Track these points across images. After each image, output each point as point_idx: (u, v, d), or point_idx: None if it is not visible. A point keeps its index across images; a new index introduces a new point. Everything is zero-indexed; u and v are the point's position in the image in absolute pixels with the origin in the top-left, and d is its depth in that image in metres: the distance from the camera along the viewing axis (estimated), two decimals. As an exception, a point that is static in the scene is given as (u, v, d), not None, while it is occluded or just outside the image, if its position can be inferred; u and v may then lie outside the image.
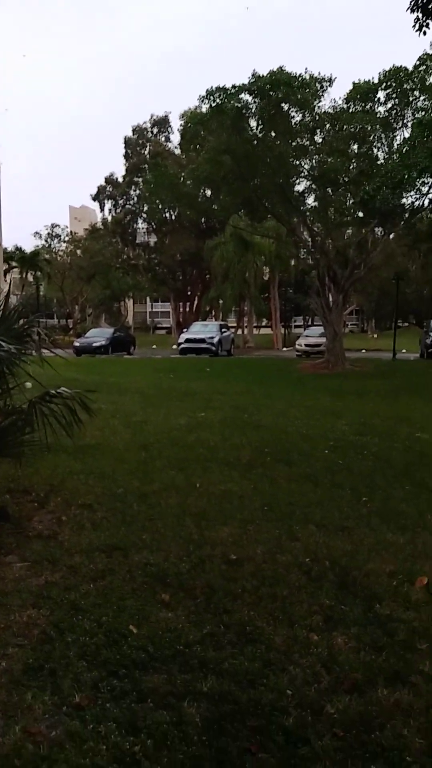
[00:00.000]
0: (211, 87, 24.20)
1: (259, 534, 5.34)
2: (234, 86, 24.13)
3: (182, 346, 35.08)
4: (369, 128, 25.19)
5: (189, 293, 59.46)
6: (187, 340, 35.17)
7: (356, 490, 6.84)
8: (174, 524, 5.54)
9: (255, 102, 24.53)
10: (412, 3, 7.22)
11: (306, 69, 27.64)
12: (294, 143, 26.19)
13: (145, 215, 55.56)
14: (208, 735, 2.69)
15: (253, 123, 25.60)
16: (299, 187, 28.45)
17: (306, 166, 27.25)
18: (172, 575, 4.41)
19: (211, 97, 24.37)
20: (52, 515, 5.85)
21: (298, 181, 28.21)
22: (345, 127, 25.11)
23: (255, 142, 25.66)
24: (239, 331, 54.42)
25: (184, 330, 40.53)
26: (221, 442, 9.34)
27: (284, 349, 48.10)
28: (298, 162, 27.02)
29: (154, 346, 47.20)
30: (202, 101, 24.74)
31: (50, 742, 2.66)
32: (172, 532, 5.32)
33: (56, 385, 6.37)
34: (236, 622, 3.71)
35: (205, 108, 25.77)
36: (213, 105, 24.42)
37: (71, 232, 60.59)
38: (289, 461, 8.17)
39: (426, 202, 25.90)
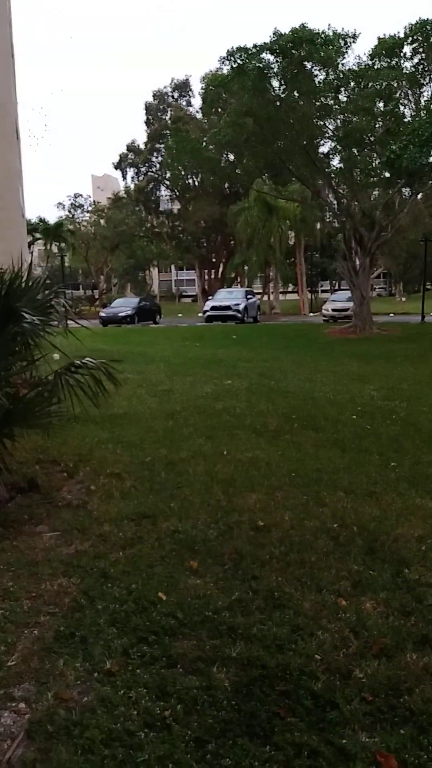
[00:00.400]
0: (232, 47, 23.74)
1: (286, 500, 5.34)
2: (255, 46, 23.62)
3: (208, 313, 34.99)
4: (395, 85, 24.56)
5: (214, 260, 59.13)
6: (213, 308, 35.05)
7: (384, 455, 6.79)
8: (202, 491, 5.57)
9: (277, 61, 23.99)
10: None
11: (329, 25, 26.92)
12: (318, 103, 25.60)
13: (167, 182, 55.07)
14: (237, 699, 2.72)
15: (275, 83, 25.07)
16: (323, 149, 27.92)
17: (330, 127, 26.68)
18: (200, 542, 4.44)
19: (232, 58, 23.92)
20: (81, 485, 5.91)
21: (322, 142, 27.67)
22: (370, 84, 24.48)
23: (278, 103, 25.16)
24: (265, 297, 54.09)
25: (210, 297, 40.40)
26: (248, 409, 9.32)
27: (311, 314, 47.70)
28: (322, 122, 26.45)
29: (180, 315, 47.16)
30: (223, 62, 24.30)
31: (82, 708, 2.71)
32: (200, 500, 5.35)
33: (81, 356, 6.40)
34: (264, 588, 3.73)
35: (226, 69, 25.31)
36: (234, 66, 23.95)
37: (94, 201, 60.37)
38: (316, 427, 8.13)
39: (454, 159, 25.27)
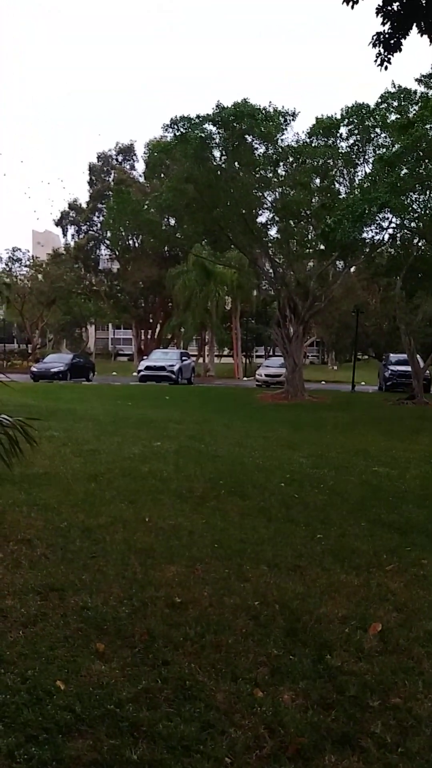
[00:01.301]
0: (175, 116, 24.37)
1: (207, 574, 5.05)
2: (198, 116, 24.30)
3: (142, 373, 34.79)
4: (331, 163, 25.60)
5: (151, 320, 59.31)
6: (147, 368, 34.90)
7: (310, 525, 6.61)
8: (118, 562, 5.22)
9: (219, 132, 24.72)
10: (374, 38, 7.18)
11: (270, 102, 28.10)
12: (257, 175, 26.42)
13: (108, 242, 55.43)
14: None
15: (216, 153, 25.78)
16: (262, 219, 28.72)
17: (269, 198, 27.51)
18: (110, 620, 4.08)
19: (175, 126, 24.51)
20: (-12, 551, 5.47)
21: (260, 212, 28.46)
22: (308, 160, 25.45)
23: (218, 172, 25.81)
24: (200, 360, 54.35)
25: (144, 357, 40.28)
26: (175, 473, 9.05)
27: (245, 378, 48.13)
28: (260, 193, 27.26)
29: (115, 373, 46.80)
30: (166, 130, 24.88)
31: None
32: (115, 572, 5.00)
33: (5, 411, 6.05)
34: (175, 675, 3.40)
35: (169, 137, 25.90)
36: (177, 134, 24.52)
37: (33, 256, 60.07)
38: (244, 494, 7.92)
39: (386, 236, 26.29)
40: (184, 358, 37.73)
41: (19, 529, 6.08)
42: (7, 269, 56.79)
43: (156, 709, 3.08)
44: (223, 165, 26.09)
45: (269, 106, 24.68)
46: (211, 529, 6.34)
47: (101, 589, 4.63)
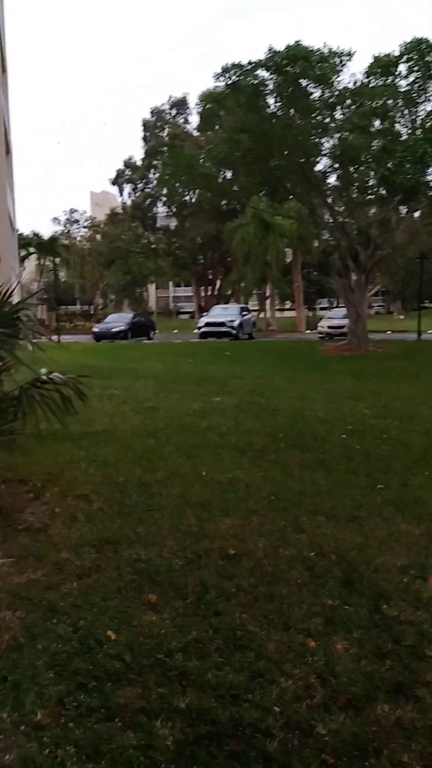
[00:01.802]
0: (227, 64, 23.64)
1: (262, 526, 5.00)
2: (250, 62, 23.51)
3: (202, 329, 34.68)
4: (390, 103, 24.43)
5: (210, 277, 58.98)
6: (207, 324, 34.76)
7: (371, 476, 6.46)
8: (173, 516, 5.22)
9: (272, 78, 23.90)
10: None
11: (324, 43, 26.97)
12: (313, 120, 25.49)
13: (164, 198, 55.03)
14: (178, 762, 2.37)
15: (270, 100, 24.97)
16: (320, 166, 27.78)
17: (327, 144, 26.56)
18: (163, 572, 4.09)
19: (227, 75, 23.80)
20: (46, 506, 5.56)
21: (318, 159, 27.55)
22: (366, 102, 24.35)
23: (273, 120, 25.04)
24: (262, 314, 53.86)
25: (204, 314, 40.15)
26: (234, 427, 9.00)
27: (308, 331, 47.44)
28: (318, 140, 26.34)
29: (175, 331, 46.90)
30: (218, 79, 24.19)
31: (0, 770, 2.36)
32: (170, 525, 5.00)
33: (50, 371, 6.09)
34: (226, 626, 3.37)
35: (221, 86, 25.23)
36: (229, 83, 23.86)
37: (90, 217, 60.30)
38: (304, 446, 7.81)
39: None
40: (244, 312, 37.38)
41: (77, 484, 6.16)
42: (66, 231, 57.26)
43: (205, 659, 3.06)
44: (278, 112, 25.29)
45: (324, 47, 23.65)
46: (269, 481, 6.27)
47: (155, 541, 4.64)
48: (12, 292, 6.05)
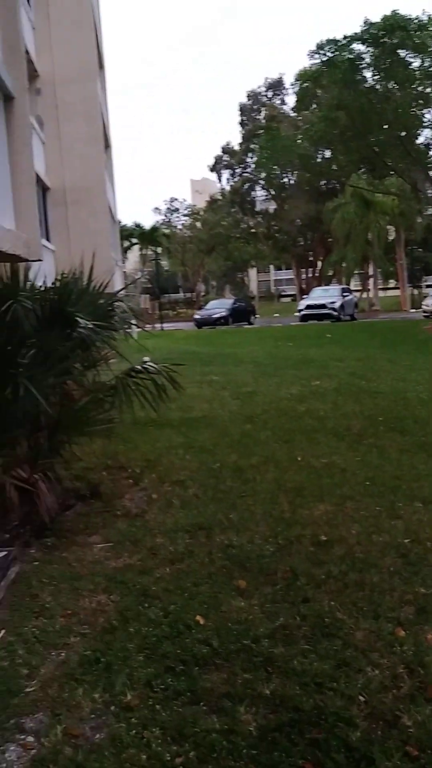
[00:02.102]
0: (321, 40, 23.22)
1: (356, 512, 4.93)
2: (345, 36, 22.96)
3: (303, 312, 34.30)
4: None
5: (311, 258, 58.25)
6: (308, 306, 34.34)
7: None
8: (266, 501, 5.24)
9: (369, 51, 23.25)
10: None
11: (423, 10, 25.87)
12: (414, 91, 24.62)
13: (262, 182, 54.72)
14: (260, 748, 2.39)
15: (367, 74, 24.35)
16: (421, 139, 26.87)
17: (428, 116, 25.62)
18: (254, 558, 4.12)
19: (322, 51, 23.38)
20: (144, 492, 5.72)
21: (419, 132, 26.61)
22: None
23: (370, 94, 24.38)
24: (364, 294, 52.71)
25: (305, 296, 39.72)
26: (332, 411, 8.89)
27: (412, 310, 45.98)
28: (419, 111, 25.43)
29: (276, 315, 46.68)
30: (312, 56, 23.78)
31: (90, 747, 2.47)
32: (262, 510, 5.03)
33: (151, 359, 6.24)
34: (314, 613, 3.36)
35: (316, 64, 24.77)
36: (323, 59, 23.41)
37: (191, 205, 60.91)
38: (404, 430, 7.61)
39: None
40: (345, 293, 36.67)
41: (174, 470, 6.29)
42: (166, 220, 58.12)
43: (292, 646, 3.07)
44: (376, 86, 24.61)
45: (422, 14, 22.75)
46: (366, 466, 6.16)
47: (248, 527, 4.68)
48: (107, 284, 6.22)
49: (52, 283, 5.62)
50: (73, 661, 3.07)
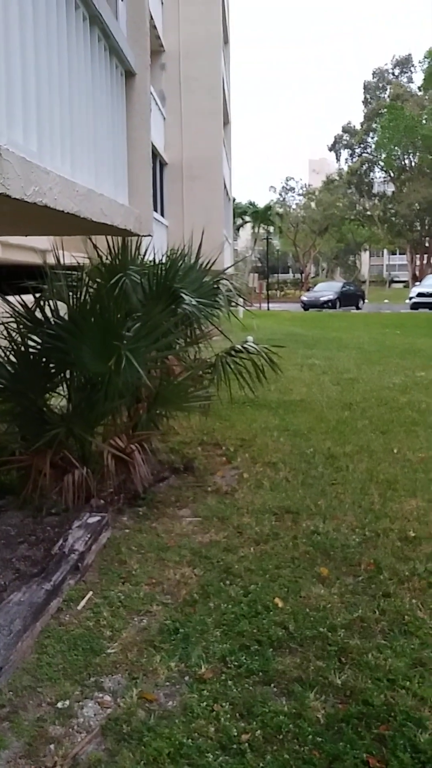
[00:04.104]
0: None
1: (450, 510, 4.81)
2: None
3: (414, 300, 33.22)
4: None
5: (427, 244, 56.21)
6: (419, 294, 33.22)
7: None
8: (356, 491, 5.19)
9: None
10: None
11: None
12: None
13: (382, 163, 53.14)
14: (326, 736, 2.41)
15: None
16: None
17: None
18: (339, 547, 4.11)
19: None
20: (236, 471, 5.79)
21: None
22: None
23: None
24: None
25: (417, 283, 38.46)
26: (435, 404, 8.64)
27: None
28: None
29: (386, 300, 45.47)
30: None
31: (162, 713, 2.57)
32: (352, 500, 4.98)
33: (246, 339, 6.28)
34: (394, 609, 3.32)
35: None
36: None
37: (306, 184, 60.11)
38: None
39: None
40: (461, 282, 35.24)
41: (268, 452, 6.33)
42: (281, 199, 57.61)
43: (368, 639, 3.05)
44: None
45: None
46: (465, 464, 5.98)
47: (335, 515, 4.66)
48: (216, 261, 6.27)
49: (161, 259, 5.73)
50: (154, 628, 3.18)
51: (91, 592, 3.57)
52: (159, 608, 3.38)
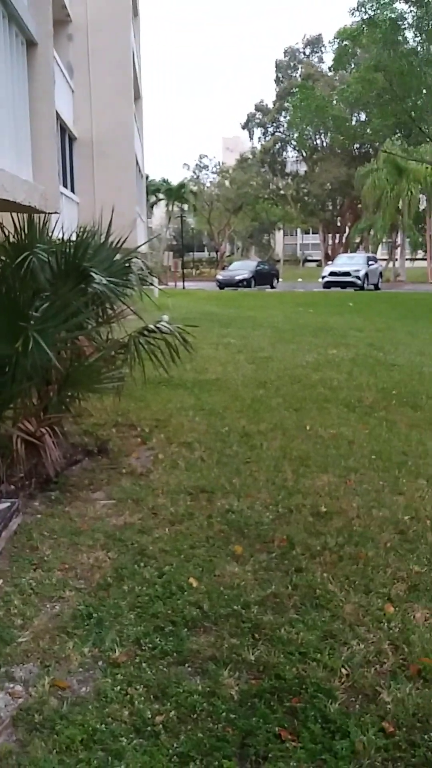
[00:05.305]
0: (364, -4, 22.49)
1: (359, 485, 4.94)
2: (388, -6, 22.24)
3: (326, 279, 33.96)
4: None
5: (339, 224, 57.43)
6: (331, 273, 33.97)
7: None
8: (270, 468, 5.26)
9: (411, 11, 22.53)
10: None
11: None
12: (456, 55, 23.88)
13: (294, 142, 53.71)
14: (239, 712, 2.44)
15: (409, 35, 23.60)
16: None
17: (469, 82, 24.86)
18: (252, 525, 4.15)
19: (363, 9, 22.65)
20: (151, 452, 5.76)
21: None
22: None
23: (411, 56, 23.66)
24: (390, 264, 51.97)
25: (330, 263, 39.27)
26: (346, 381, 8.85)
27: (439, 282, 45.34)
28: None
29: (300, 280, 46.23)
30: (353, 14, 23.07)
31: (75, 700, 2.53)
32: (266, 477, 5.05)
33: (161, 318, 6.22)
34: (306, 583, 3.39)
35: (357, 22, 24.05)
36: (364, 17, 22.70)
37: (220, 162, 60.05)
38: (416, 405, 7.58)
39: None
40: (370, 262, 36.16)
41: (183, 432, 6.32)
42: (195, 177, 57.37)
43: (281, 614, 3.10)
44: (417, 48, 23.87)
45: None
46: (374, 439, 6.15)
47: (249, 493, 4.71)
48: (128, 238, 6.15)
49: (70, 236, 5.58)
50: (67, 614, 3.13)
51: (0, 581, 3.47)
52: (72, 594, 3.33)
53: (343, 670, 2.68)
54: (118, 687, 2.59)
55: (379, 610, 3.15)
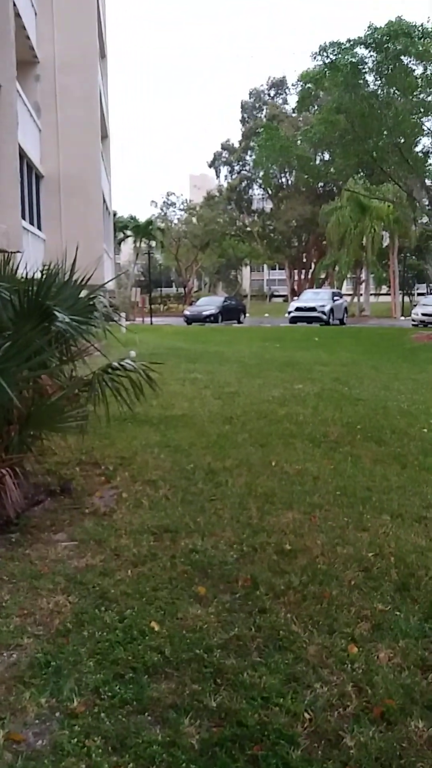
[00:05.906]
0: (325, 42, 23.15)
1: (324, 521, 4.93)
2: (349, 40, 22.93)
3: (292, 314, 34.38)
4: None
5: (305, 260, 58.32)
6: (298, 309, 34.42)
7: (448, 475, 6.23)
8: (235, 506, 5.23)
9: (371, 56, 23.25)
10: None
11: (429, 18, 25.95)
12: (414, 99, 24.64)
13: (260, 181, 54.68)
14: (199, 762, 2.38)
15: (369, 78, 24.33)
16: (419, 147, 26.91)
17: (428, 124, 25.66)
18: (216, 564, 4.11)
19: (325, 53, 23.31)
20: (115, 491, 5.69)
21: (417, 140, 26.65)
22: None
23: (371, 99, 24.36)
24: (355, 299, 52.83)
25: (296, 298, 39.78)
26: (312, 416, 8.89)
27: (402, 318, 46.11)
28: (419, 119, 25.44)
29: (267, 315, 46.69)
30: (315, 57, 23.71)
31: (30, 754, 2.45)
32: (230, 515, 5.02)
33: (129, 354, 6.21)
34: (270, 624, 3.35)
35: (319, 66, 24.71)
36: (326, 61, 23.35)
37: (187, 200, 60.83)
38: (381, 440, 7.63)
39: None
40: (336, 297, 36.74)
41: (148, 469, 6.26)
42: (162, 214, 57.95)
43: (243, 658, 3.06)
44: (378, 91, 24.61)
45: (427, 22, 22.78)
46: (339, 475, 6.17)
47: (214, 532, 4.67)
48: (93, 275, 6.16)
49: (34, 274, 5.57)
50: (24, 663, 3.04)
51: None
52: (30, 641, 3.24)
53: (306, 714, 2.64)
54: (76, 739, 2.51)
55: (343, 651, 3.13)
